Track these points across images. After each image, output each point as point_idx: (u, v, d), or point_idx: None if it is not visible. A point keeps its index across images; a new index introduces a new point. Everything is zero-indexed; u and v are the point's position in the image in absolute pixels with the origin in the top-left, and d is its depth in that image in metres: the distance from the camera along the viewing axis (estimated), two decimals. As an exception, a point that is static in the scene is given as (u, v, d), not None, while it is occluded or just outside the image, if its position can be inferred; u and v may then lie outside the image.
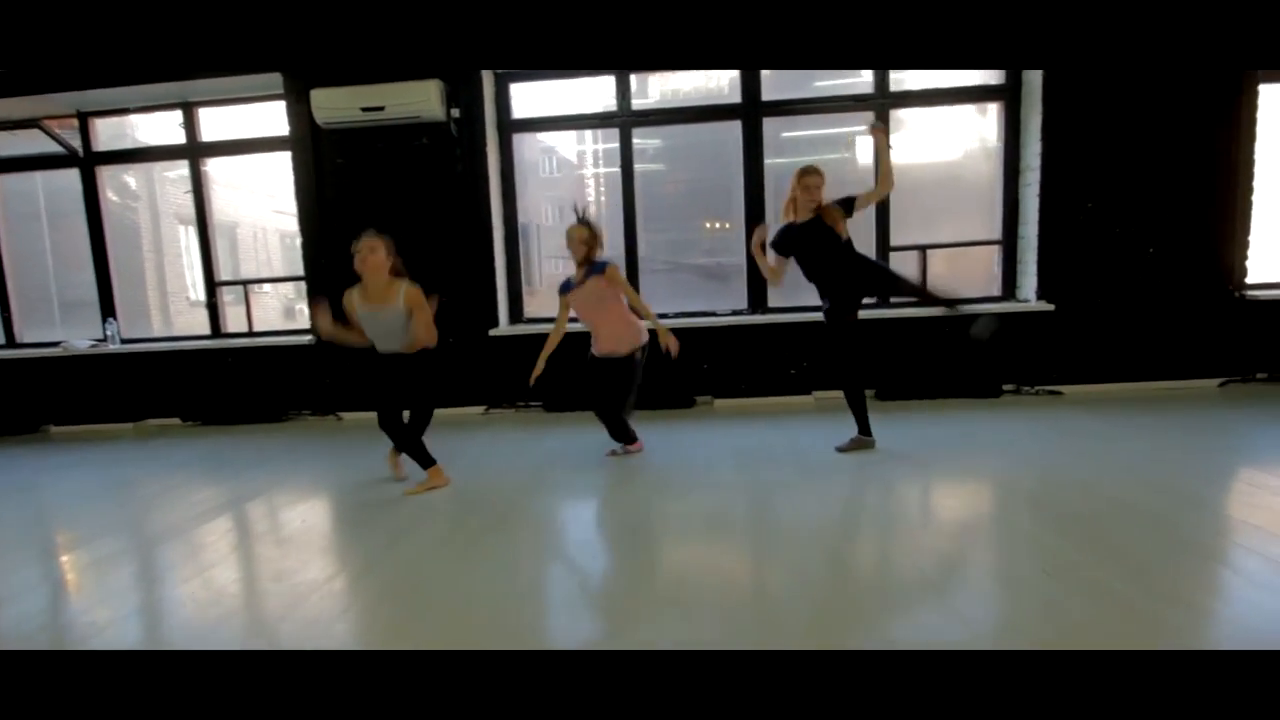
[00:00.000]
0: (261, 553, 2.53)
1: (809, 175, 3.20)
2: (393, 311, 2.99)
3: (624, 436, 3.47)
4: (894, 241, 4.63)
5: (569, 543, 2.49)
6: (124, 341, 5.08)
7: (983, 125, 4.67)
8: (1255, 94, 4.14)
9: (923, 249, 4.63)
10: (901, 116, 4.61)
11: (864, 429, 3.34)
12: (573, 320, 3.46)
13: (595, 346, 3.42)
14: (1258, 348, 4.29)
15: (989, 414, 4.02)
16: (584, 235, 3.24)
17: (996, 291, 4.64)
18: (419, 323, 3.00)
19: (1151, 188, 4.22)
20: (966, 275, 4.73)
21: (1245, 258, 4.26)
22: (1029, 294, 4.44)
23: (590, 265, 3.26)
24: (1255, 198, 4.22)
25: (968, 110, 4.67)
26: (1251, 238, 4.25)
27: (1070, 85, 4.18)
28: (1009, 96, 4.46)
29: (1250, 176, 4.20)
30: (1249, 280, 4.28)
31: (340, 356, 4.68)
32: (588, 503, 2.96)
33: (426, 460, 3.12)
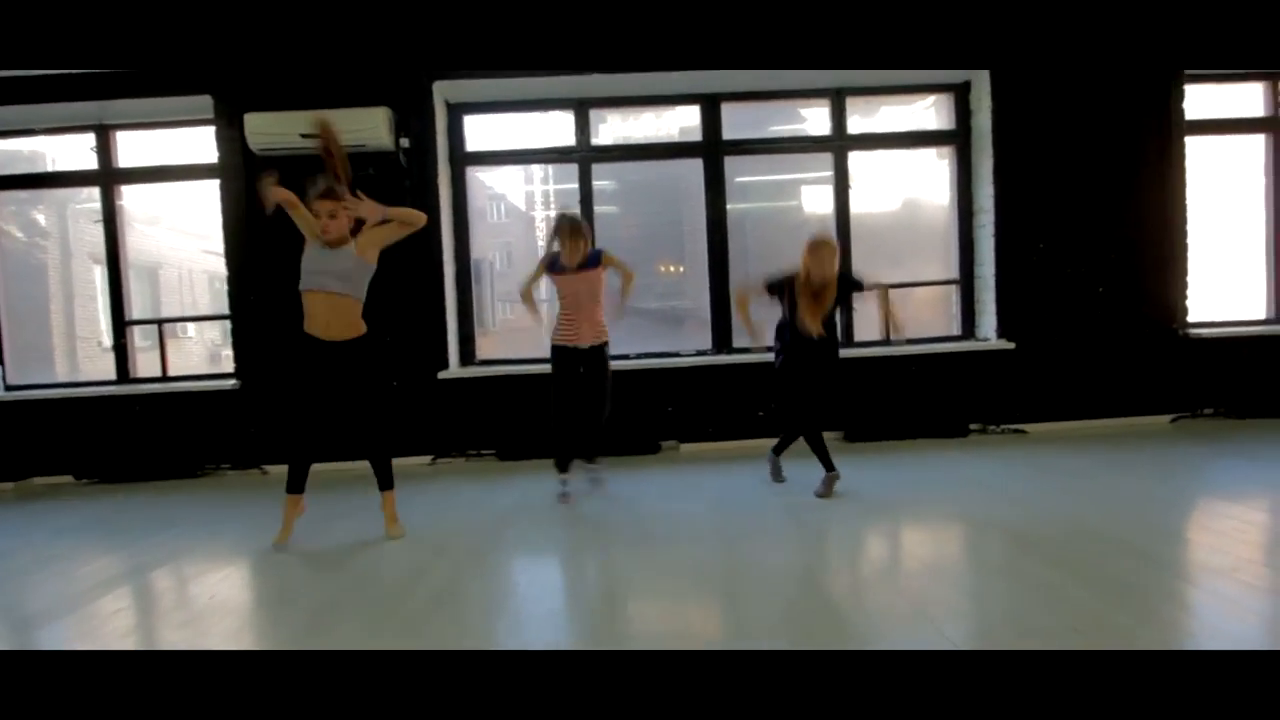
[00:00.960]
0: (163, 636, 2.09)
1: (823, 248, 3.08)
2: (343, 253, 2.68)
3: (597, 449, 3.49)
4: (856, 281, 4.60)
5: (534, 618, 2.16)
6: (9, 388, 4.45)
7: (937, 168, 4.78)
8: (1183, 143, 4.39)
9: (884, 288, 4.61)
10: (857, 159, 4.65)
11: (829, 465, 3.19)
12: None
13: (577, 337, 3.32)
14: (1203, 384, 4.42)
15: (959, 454, 3.95)
16: (583, 244, 3.27)
17: (956, 330, 4.66)
18: (383, 230, 2.73)
19: (1096, 228, 4.36)
20: (926, 315, 4.75)
21: (1185, 297, 4.43)
22: (989, 332, 4.47)
23: (588, 257, 3.30)
24: (1190, 239, 4.42)
25: (923, 155, 4.77)
26: (1190, 277, 4.44)
27: (1019, 129, 4.33)
28: (960, 140, 4.58)
29: (1184, 219, 4.41)
30: (1191, 319, 4.44)
31: (266, 402, 4.22)
32: (557, 566, 2.64)
33: (389, 481, 2.87)
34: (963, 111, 4.57)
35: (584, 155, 4.52)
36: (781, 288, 3.21)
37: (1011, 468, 3.55)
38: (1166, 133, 4.36)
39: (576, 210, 4.14)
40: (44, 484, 4.37)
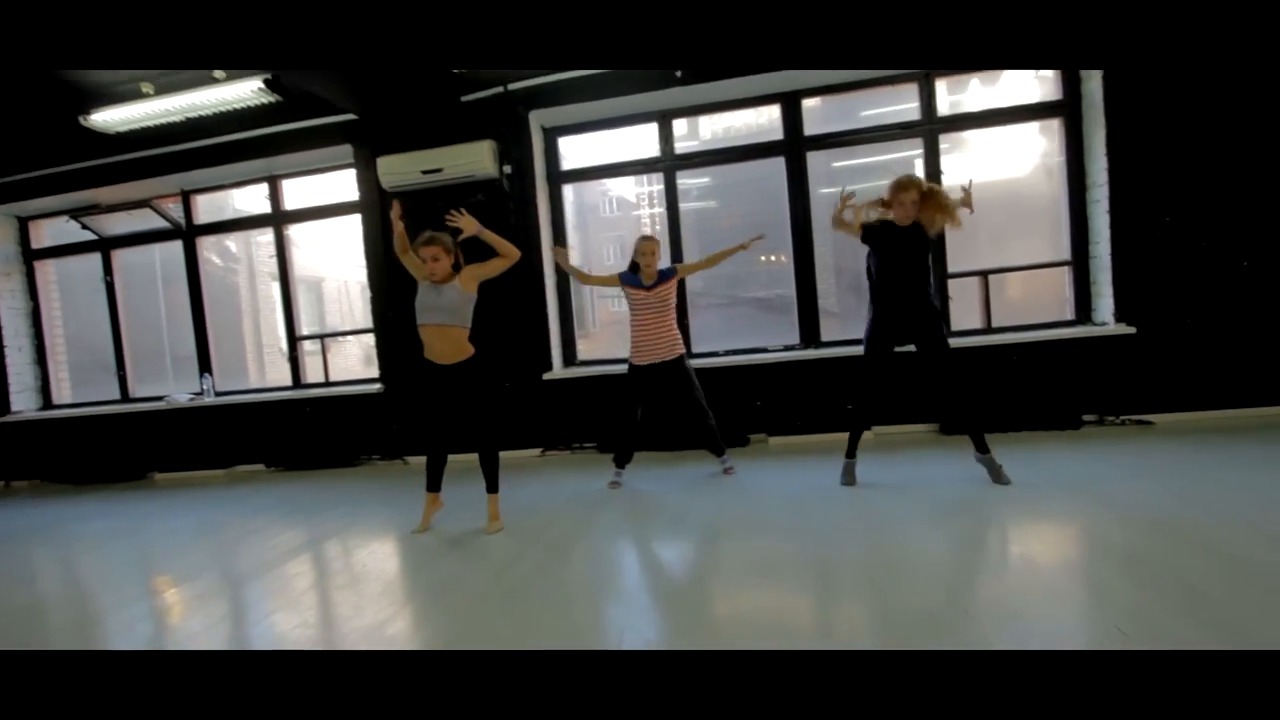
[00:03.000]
0: (329, 595, 2.67)
1: (904, 191, 3.08)
2: (449, 288, 3.09)
3: (717, 444, 3.75)
4: (951, 268, 4.47)
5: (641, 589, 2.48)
6: (218, 394, 5.55)
7: (1042, 143, 4.48)
8: (1355, 89, 3.78)
9: (984, 274, 4.44)
10: (953, 139, 4.49)
11: (983, 446, 3.22)
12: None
13: (651, 354, 3.64)
14: (1385, 366, 3.82)
15: (1069, 447, 3.75)
16: (656, 248, 3.61)
17: (1070, 315, 4.37)
18: (486, 266, 3.16)
19: (1239, 195, 3.90)
20: (1035, 300, 4.49)
21: (1359, 266, 3.84)
22: (1106, 316, 4.16)
23: (660, 272, 3.63)
24: (1366, 200, 3.82)
25: (1024, 129, 4.49)
26: (1365, 244, 3.84)
27: (1134, 95, 3.97)
28: (1068, 112, 4.27)
29: (1357, 177, 3.81)
30: (1366, 291, 3.85)
31: (405, 403, 4.92)
32: (655, 550, 2.96)
33: (495, 484, 3.27)
34: (1071, 79, 4.25)
35: (668, 164, 4.76)
36: (875, 235, 3.18)
37: (1126, 464, 3.34)
38: (1332, 76, 3.79)
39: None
40: (245, 470, 5.42)
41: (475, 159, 4.50)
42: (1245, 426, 3.78)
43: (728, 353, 4.69)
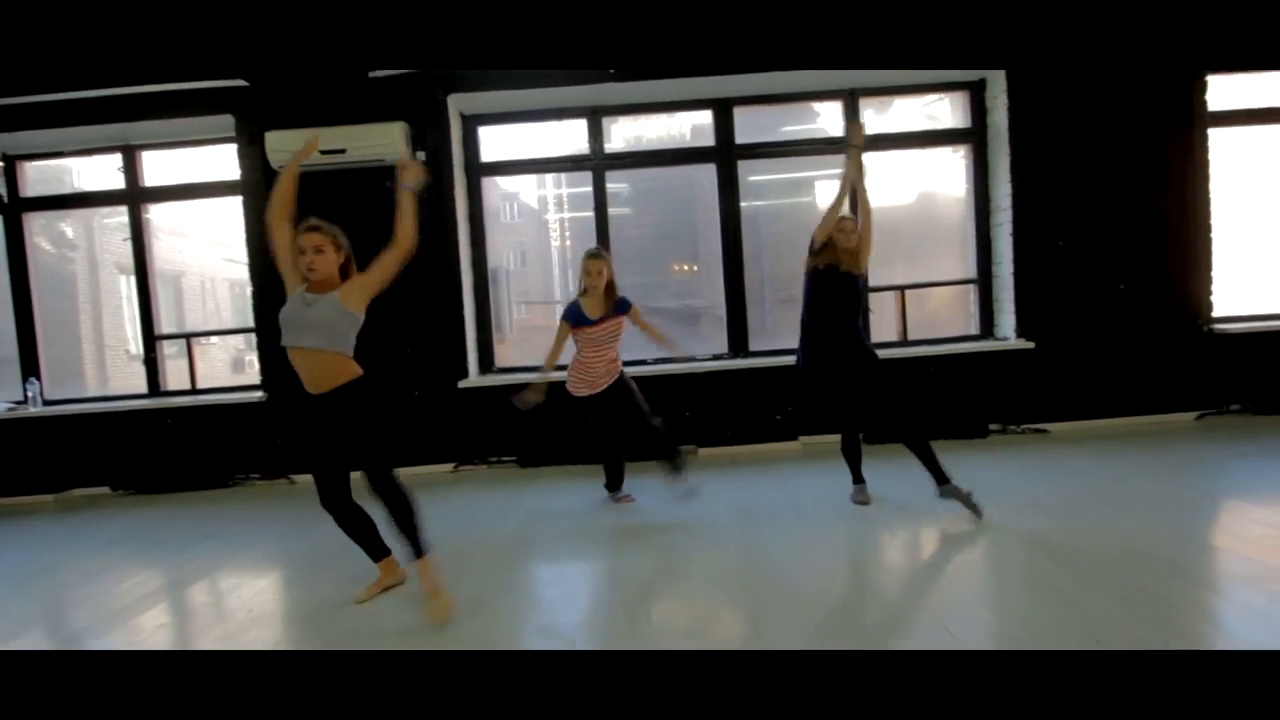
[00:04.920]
0: (203, 649, 2.17)
1: (844, 224, 3.03)
2: (326, 301, 2.26)
3: (675, 456, 3.33)
4: (872, 283, 4.58)
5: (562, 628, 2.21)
6: (47, 403, 4.60)
7: (952, 167, 4.74)
8: (1205, 134, 4.31)
9: (900, 289, 4.61)
10: (872, 160, 4.63)
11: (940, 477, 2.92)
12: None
13: (593, 384, 3.26)
14: (1229, 380, 4.35)
15: (980, 455, 3.94)
16: (604, 266, 3.22)
17: (975, 330, 4.63)
18: (373, 275, 2.30)
19: (1117, 224, 4.31)
20: (944, 315, 4.72)
21: (1210, 292, 4.36)
22: (1008, 332, 4.44)
23: (615, 302, 3.26)
24: (1214, 234, 4.35)
25: (937, 153, 4.73)
26: (1214, 273, 4.36)
27: (1036, 126, 4.28)
28: (976, 139, 4.54)
29: (1208, 213, 4.33)
30: (1215, 314, 4.38)
31: (292, 413, 4.32)
32: (587, 577, 2.69)
33: (380, 549, 2.49)
34: (978, 109, 4.53)
35: (598, 163, 4.55)
36: (820, 277, 3.02)
37: (1031, 469, 3.54)
38: (1189, 124, 4.29)
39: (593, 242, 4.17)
40: (83, 495, 4.52)
41: (384, 141, 4.04)
42: (1128, 434, 4.16)
43: (656, 361, 4.53)
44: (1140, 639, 1.77)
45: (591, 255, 3.24)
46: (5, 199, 4.63)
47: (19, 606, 2.68)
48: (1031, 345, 4.34)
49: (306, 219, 2.35)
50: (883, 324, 4.61)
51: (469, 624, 2.18)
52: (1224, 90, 4.39)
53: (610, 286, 3.26)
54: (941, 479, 2.88)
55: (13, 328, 4.68)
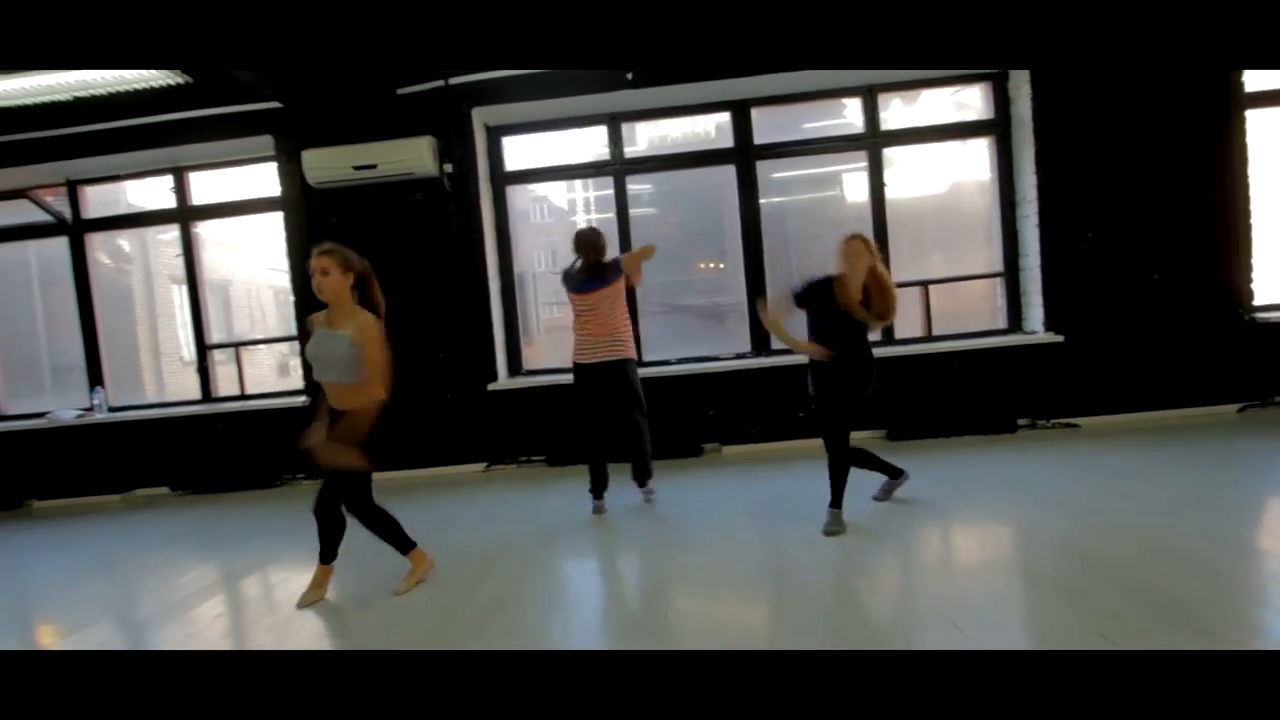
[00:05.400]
0: (257, 639, 2.36)
1: (853, 241, 2.80)
2: (339, 339, 2.41)
3: (646, 472, 3.39)
4: (896, 278, 4.56)
5: (585, 626, 2.32)
6: (111, 410, 4.94)
7: (976, 159, 4.68)
8: (1243, 117, 4.17)
9: (925, 284, 4.58)
10: (893, 155, 4.62)
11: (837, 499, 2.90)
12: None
13: (595, 353, 3.26)
14: (1273, 371, 4.21)
15: (1007, 451, 3.91)
16: (594, 236, 3.26)
17: (1002, 324, 4.58)
18: (369, 359, 2.40)
19: (1150, 213, 4.20)
20: (969, 309, 4.68)
21: (1250, 280, 4.22)
22: (1036, 325, 4.38)
23: (607, 264, 3.22)
24: (1254, 219, 4.21)
25: (960, 145, 4.68)
26: (1255, 259, 4.22)
27: (1061, 116, 4.20)
28: (999, 130, 4.48)
29: (1247, 198, 4.19)
30: (1257, 302, 4.23)
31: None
32: (607, 572, 2.80)
33: (404, 544, 2.66)
34: (1001, 99, 4.46)
35: (618, 168, 4.64)
36: (811, 297, 2.88)
37: (1060, 466, 3.50)
38: (1225, 107, 4.15)
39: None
40: (145, 495, 4.84)
41: (414, 156, 4.21)
42: (1162, 428, 4.06)
43: (679, 360, 4.61)
44: (1175, 644, 1.73)
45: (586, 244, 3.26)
46: (70, 221, 4.97)
47: (92, 596, 2.93)
48: (1061, 338, 4.27)
49: (320, 243, 2.50)
50: (907, 319, 4.59)
51: (496, 621, 2.30)
52: (1261, 70, 4.23)
53: (591, 264, 3.22)
54: (835, 502, 2.87)
55: (79, 340, 5.03)
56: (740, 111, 4.55)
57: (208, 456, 4.76)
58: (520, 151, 4.80)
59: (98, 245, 5.18)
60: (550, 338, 5.18)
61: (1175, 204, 4.18)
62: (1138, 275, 4.24)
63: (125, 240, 5.57)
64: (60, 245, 5.04)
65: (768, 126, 4.62)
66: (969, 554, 2.64)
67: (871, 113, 4.51)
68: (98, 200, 5.13)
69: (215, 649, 2.29)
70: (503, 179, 4.71)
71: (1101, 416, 4.30)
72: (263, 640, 2.34)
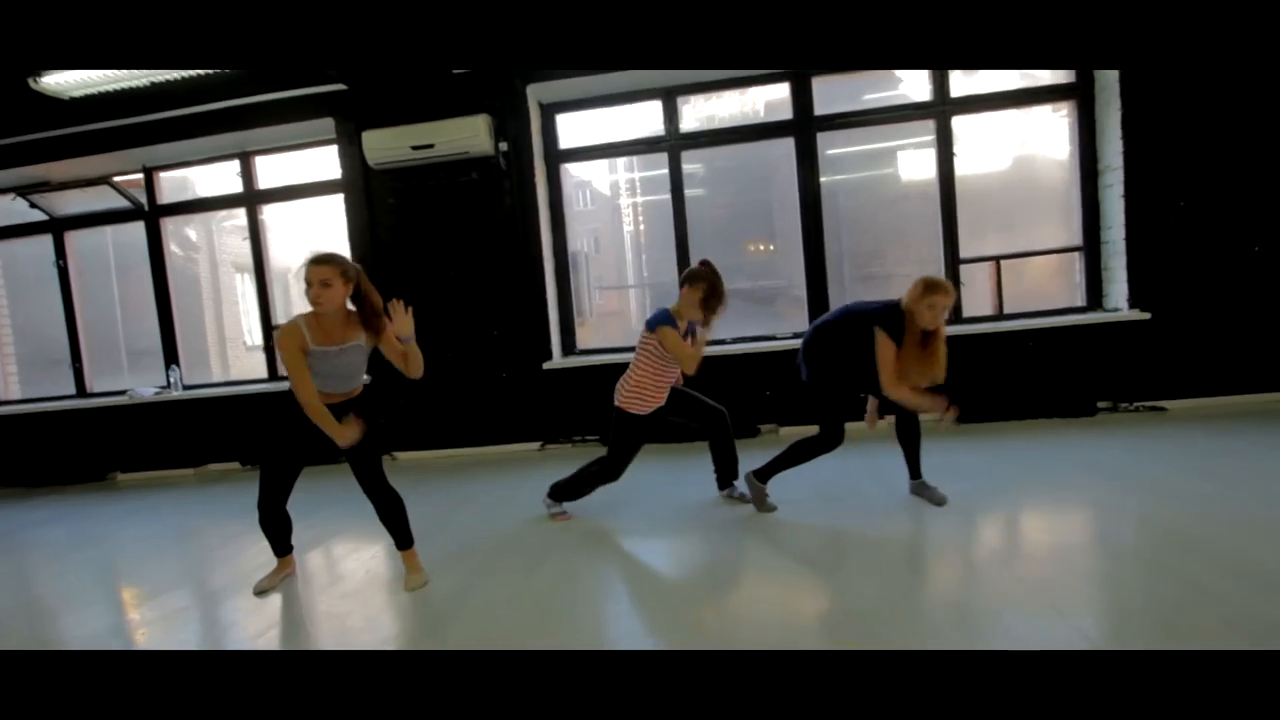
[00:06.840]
0: (324, 608, 2.41)
1: (947, 294, 2.56)
2: (356, 351, 2.44)
3: (578, 492, 3.16)
4: (963, 254, 4.37)
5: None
6: (186, 388, 5.16)
7: (1053, 126, 4.41)
8: (1365, 74, 3.79)
9: (996, 260, 4.35)
10: (962, 122, 4.38)
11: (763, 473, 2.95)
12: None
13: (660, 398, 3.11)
14: (1391, 351, 3.85)
15: (1087, 434, 3.69)
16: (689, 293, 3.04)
17: (1080, 301, 4.32)
18: (406, 352, 2.44)
19: (1251, 180, 3.87)
20: (1044, 286, 4.43)
21: (1367, 252, 3.86)
22: (1119, 302, 4.11)
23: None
24: (1374, 186, 3.84)
25: (1035, 112, 4.41)
26: (1373, 229, 3.85)
27: (1150, 78, 3.90)
28: (1081, 95, 4.19)
29: (1366, 163, 3.82)
30: (1374, 276, 3.87)
31: (394, 394, 4.63)
32: (661, 556, 2.77)
33: (409, 537, 2.58)
34: (1085, 61, 4.17)
35: (674, 143, 4.55)
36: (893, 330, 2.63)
37: (1149, 450, 3.28)
38: (1342, 62, 3.78)
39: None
40: (218, 469, 5.05)
41: (470, 134, 4.22)
42: (1259, 412, 3.77)
43: (735, 340, 4.52)
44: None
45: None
46: (146, 206, 5.19)
47: (175, 563, 3.07)
48: (1147, 316, 3.99)
49: (313, 253, 2.34)
50: (975, 297, 4.38)
51: (520, 611, 2.29)
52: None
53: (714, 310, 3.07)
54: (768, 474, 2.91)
55: (154, 322, 5.26)
56: (800, 81, 4.39)
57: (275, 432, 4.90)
58: (573, 129, 4.76)
59: (170, 232, 5.39)
60: (599, 322, 5.16)
61: (1278, 169, 3.85)
62: (1235, 247, 3.92)
63: (193, 230, 5.79)
64: (130, 231, 5.26)
65: (826, 98, 4.45)
66: (1065, 537, 2.49)
67: (940, 78, 4.29)
68: (170, 186, 5.33)
69: (289, 622, 2.35)
70: (557, 157, 4.68)
71: (1191, 400, 4.02)
72: (331, 608, 2.39)
